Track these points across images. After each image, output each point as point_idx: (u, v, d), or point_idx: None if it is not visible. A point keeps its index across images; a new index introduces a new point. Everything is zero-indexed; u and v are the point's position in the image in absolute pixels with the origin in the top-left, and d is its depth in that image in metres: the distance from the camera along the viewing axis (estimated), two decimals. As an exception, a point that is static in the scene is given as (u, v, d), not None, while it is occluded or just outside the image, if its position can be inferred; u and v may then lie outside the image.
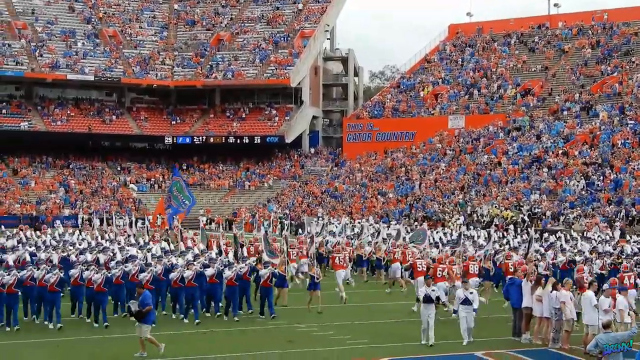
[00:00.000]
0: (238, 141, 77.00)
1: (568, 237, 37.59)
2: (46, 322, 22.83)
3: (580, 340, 19.97)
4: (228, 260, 25.72)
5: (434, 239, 37.08)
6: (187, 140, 78.01)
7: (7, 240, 35.33)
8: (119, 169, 77.12)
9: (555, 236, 37.81)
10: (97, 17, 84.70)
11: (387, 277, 31.58)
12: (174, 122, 79.76)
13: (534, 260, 26.25)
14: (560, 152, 57.86)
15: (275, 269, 24.95)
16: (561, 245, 33.32)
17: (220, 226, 37.65)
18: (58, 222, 57.23)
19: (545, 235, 40.33)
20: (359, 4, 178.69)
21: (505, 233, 41.94)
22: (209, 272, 24.07)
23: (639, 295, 23.34)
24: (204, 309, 24.47)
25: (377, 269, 33.86)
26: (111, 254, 27.77)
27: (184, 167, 78.00)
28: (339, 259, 29.33)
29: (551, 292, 20.25)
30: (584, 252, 30.76)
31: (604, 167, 53.12)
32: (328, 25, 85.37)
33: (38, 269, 23.34)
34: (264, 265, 24.93)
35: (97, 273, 22.97)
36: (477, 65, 78.80)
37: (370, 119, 78.09)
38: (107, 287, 23.07)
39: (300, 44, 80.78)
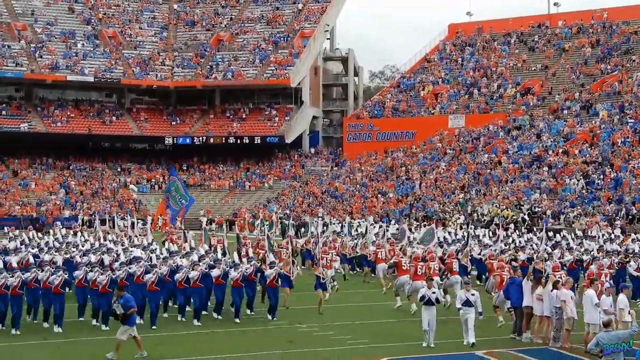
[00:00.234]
0: (238, 141, 76.98)
1: (572, 236, 37.49)
2: (46, 325, 22.70)
3: (580, 339, 19.97)
4: (233, 261, 25.60)
5: (438, 238, 37.00)
6: (187, 140, 77.98)
7: (9, 242, 35.10)
8: (119, 170, 77.09)
9: (560, 235, 37.67)
10: (97, 18, 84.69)
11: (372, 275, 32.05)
12: (174, 123, 79.74)
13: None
14: (560, 151, 57.86)
15: (280, 269, 24.84)
16: (568, 244, 33.17)
17: (224, 227, 37.49)
18: (58, 223, 57.29)
19: (550, 234, 40.20)
20: (359, 4, 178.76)
21: (509, 232, 41.81)
22: (215, 272, 23.92)
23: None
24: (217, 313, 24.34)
25: (362, 266, 34.51)
26: (115, 255, 27.54)
27: (184, 168, 78.03)
28: (326, 260, 29.36)
29: (552, 291, 20.24)
30: (591, 251, 30.69)
31: (604, 166, 53.14)
32: (328, 25, 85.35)
33: (42, 270, 23.10)
34: (270, 265, 24.72)
35: (101, 274, 22.77)
36: (477, 64, 78.78)
37: (371, 119, 78.07)
38: (112, 288, 22.63)
39: (300, 44, 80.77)
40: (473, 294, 20.39)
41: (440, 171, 63.77)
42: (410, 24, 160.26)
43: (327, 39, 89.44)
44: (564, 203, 50.49)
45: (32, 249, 30.93)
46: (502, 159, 60.70)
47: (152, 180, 75.10)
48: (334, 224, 47.85)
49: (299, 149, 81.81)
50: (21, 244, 33.49)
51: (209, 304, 24.64)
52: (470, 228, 37.70)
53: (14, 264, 25.83)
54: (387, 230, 37.99)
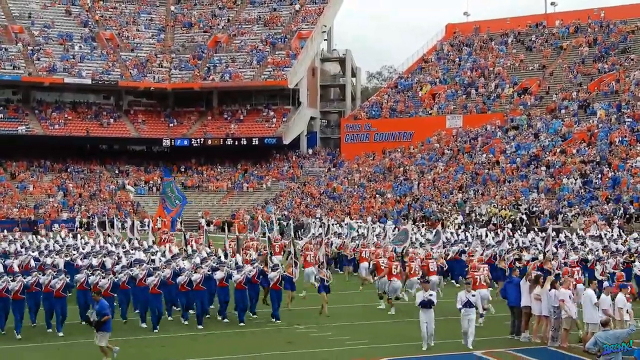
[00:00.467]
0: (236, 143, 76.97)
1: (574, 235, 37.42)
2: (50, 330, 22.51)
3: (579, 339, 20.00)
4: (236, 263, 25.47)
5: (446, 237, 36.91)
6: (185, 142, 77.98)
7: (9, 245, 34.93)
8: (117, 172, 77.08)
9: (564, 235, 37.54)
10: (94, 20, 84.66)
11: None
12: (172, 125, 79.72)
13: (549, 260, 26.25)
14: (558, 150, 57.87)
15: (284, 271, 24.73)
16: (573, 243, 33.08)
17: (226, 229, 37.47)
18: (56, 225, 57.32)
19: (553, 234, 40.03)
20: (356, 5, 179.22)
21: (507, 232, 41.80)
22: (219, 275, 23.72)
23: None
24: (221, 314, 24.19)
25: (344, 265, 35.22)
26: (116, 258, 27.35)
27: (182, 170, 78.05)
28: (310, 257, 29.46)
29: (550, 290, 20.24)
30: (597, 251, 30.64)
31: (602, 165, 53.13)
32: (325, 26, 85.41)
33: (43, 274, 22.92)
34: (273, 267, 24.58)
35: (103, 278, 22.59)
36: (475, 64, 78.80)
37: (368, 120, 78.07)
38: (113, 292, 22.69)
39: (298, 45, 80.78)
40: (474, 295, 20.21)
41: (438, 171, 63.77)
42: (408, 24, 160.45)
43: (325, 40, 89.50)
44: (562, 202, 50.51)
45: (33, 252, 30.74)
46: (500, 159, 60.70)
47: (150, 182, 75.07)
48: (332, 224, 47.79)
49: (296, 150, 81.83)
50: (21, 247, 33.37)
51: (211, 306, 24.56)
52: (475, 229, 37.71)
53: (16, 268, 25.59)
54: (385, 231, 38.04)
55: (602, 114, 60.83)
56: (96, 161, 77.88)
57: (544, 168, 56.25)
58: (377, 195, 63.08)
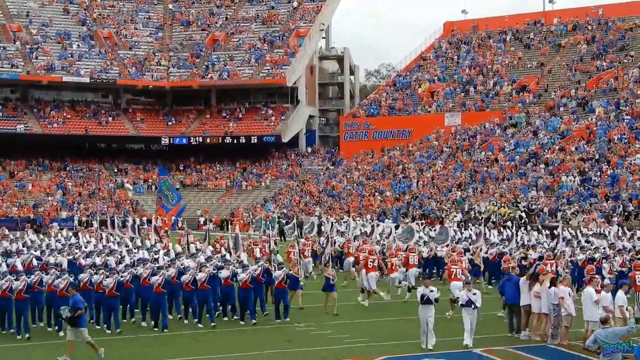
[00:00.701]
0: (235, 141, 76.95)
1: (580, 234, 37.34)
2: (50, 329, 22.40)
3: (579, 336, 19.99)
4: (241, 262, 25.28)
5: (455, 237, 36.93)
6: (184, 141, 77.92)
7: (10, 243, 34.66)
8: (115, 170, 77.03)
9: (569, 233, 37.47)
10: (92, 18, 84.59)
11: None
12: (170, 123, 79.68)
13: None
14: (556, 148, 57.90)
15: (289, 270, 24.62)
16: (579, 241, 33.01)
17: (229, 227, 37.38)
18: (55, 224, 57.25)
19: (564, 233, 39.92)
20: (355, 3, 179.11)
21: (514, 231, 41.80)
22: (224, 274, 23.57)
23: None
24: (221, 313, 24.09)
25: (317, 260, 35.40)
26: (119, 257, 27.02)
27: (181, 168, 78.01)
28: (293, 254, 29.70)
29: (549, 288, 20.25)
30: (604, 249, 30.59)
31: (601, 163, 53.15)
32: (323, 24, 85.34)
33: (47, 273, 22.72)
34: (278, 266, 24.45)
35: (107, 277, 22.33)
36: (473, 62, 78.83)
37: (367, 118, 78.08)
38: (118, 291, 22.42)
39: (296, 43, 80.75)
40: (475, 294, 19.89)
41: (437, 169, 63.80)
42: (406, 22, 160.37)
43: (323, 38, 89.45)
44: (561, 200, 50.52)
45: (35, 251, 30.49)
46: (499, 157, 60.73)
47: (149, 180, 74.96)
48: (331, 222, 47.77)
49: (295, 148, 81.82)
50: (23, 246, 33.15)
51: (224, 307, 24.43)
52: (481, 226, 37.68)
53: (19, 267, 25.25)
54: (390, 229, 38.06)
55: (600, 111, 60.86)
56: (95, 160, 77.81)
57: (542, 166, 56.28)
58: (376, 193, 63.11)
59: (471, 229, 40.34)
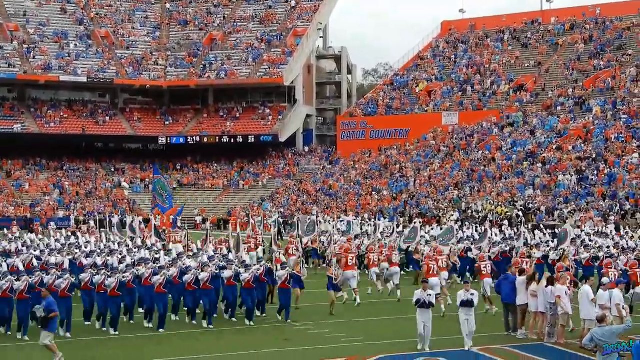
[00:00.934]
0: (232, 141, 76.93)
1: (583, 233, 37.29)
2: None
3: (576, 335, 19.99)
4: (243, 261, 25.22)
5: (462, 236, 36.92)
6: (181, 140, 77.88)
7: (9, 243, 34.44)
8: (113, 170, 76.96)
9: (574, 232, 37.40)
10: (89, 18, 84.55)
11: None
12: (168, 123, 79.65)
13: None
14: (554, 147, 57.92)
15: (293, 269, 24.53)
16: (583, 241, 32.99)
17: (230, 227, 37.27)
18: (52, 224, 57.20)
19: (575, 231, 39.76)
20: (356, 3, 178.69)
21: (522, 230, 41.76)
22: (227, 274, 23.37)
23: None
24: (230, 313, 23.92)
25: (313, 258, 36.12)
26: (119, 257, 26.81)
27: (178, 167, 77.99)
28: (292, 250, 29.99)
29: (546, 287, 20.24)
30: (608, 248, 30.55)
31: (598, 162, 53.18)
32: (321, 24, 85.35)
33: (48, 273, 22.51)
34: (282, 266, 24.29)
35: (109, 277, 22.11)
36: (470, 61, 78.82)
37: (364, 117, 78.08)
38: (120, 291, 22.22)
39: (293, 42, 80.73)
40: (472, 294, 19.57)
41: (434, 168, 63.80)
42: (406, 22, 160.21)
43: (320, 37, 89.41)
44: (558, 199, 50.55)
45: (35, 250, 30.30)
46: (496, 156, 60.74)
47: (146, 180, 74.88)
48: (328, 221, 47.73)
49: (292, 147, 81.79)
50: (22, 246, 32.95)
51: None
52: (487, 226, 37.73)
53: (21, 267, 25.03)
54: (393, 229, 38.08)
55: (597, 110, 60.90)
56: (92, 159, 77.77)
57: (540, 165, 56.30)
58: (373, 193, 63.08)
59: (471, 228, 40.38)
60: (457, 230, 34.74)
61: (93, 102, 79.87)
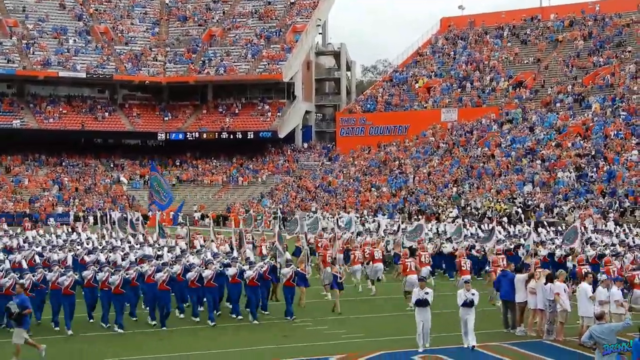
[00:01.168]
0: (231, 137, 76.91)
1: (589, 230, 37.24)
2: (57, 328, 21.97)
3: (574, 332, 20.02)
4: (247, 258, 25.15)
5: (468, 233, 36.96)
6: (180, 136, 77.87)
7: (10, 239, 34.34)
8: (112, 166, 76.99)
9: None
10: (88, 13, 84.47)
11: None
12: (167, 119, 79.61)
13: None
14: (553, 144, 57.94)
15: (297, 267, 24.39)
16: (589, 238, 32.92)
17: (233, 224, 37.07)
18: (52, 219, 57.22)
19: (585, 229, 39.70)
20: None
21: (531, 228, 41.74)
22: (231, 271, 23.27)
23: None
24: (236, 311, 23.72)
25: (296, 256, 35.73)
26: (121, 254, 26.67)
27: (177, 163, 77.99)
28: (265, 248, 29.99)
29: (545, 284, 20.27)
30: (614, 245, 30.52)
31: (597, 159, 53.21)
32: (320, 20, 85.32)
33: (49, 270, 22.39)
34: (286, 264, 24.22)
35: (113, 274, 21.95)
36: (470, 58, 78.82)
37: (363, 113, 78.07)
38: (123, 288, 22.04)
39: (292, 38, 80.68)
40: (473, 293, 19.38)
41: (433, 165, 63.82)
42: (404, 18, 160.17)
43: (320, 33, 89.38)
44: (557, 196, 50.58)
45: (37, 247, 30.10)
46: (495, 153, 60.77)
47: (146, 176, 74.78)
48: (328, 218, 47.79)
49: (291, 143, 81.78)
50: (24, 242, 32.78)
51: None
52: (494, 224, 37.69)
53: (24, 264, 24.82)
54: (397, 226, 38.11)
55: (597, 107, 60.93)
56: (91, 155, 77.79)
57: (539, 161, 56.32)
58: (373, 189, 63.11)
59: (474, 226, 40.44)
60: (463, 227, 34.76)
61: (92, 98, 79.84)
